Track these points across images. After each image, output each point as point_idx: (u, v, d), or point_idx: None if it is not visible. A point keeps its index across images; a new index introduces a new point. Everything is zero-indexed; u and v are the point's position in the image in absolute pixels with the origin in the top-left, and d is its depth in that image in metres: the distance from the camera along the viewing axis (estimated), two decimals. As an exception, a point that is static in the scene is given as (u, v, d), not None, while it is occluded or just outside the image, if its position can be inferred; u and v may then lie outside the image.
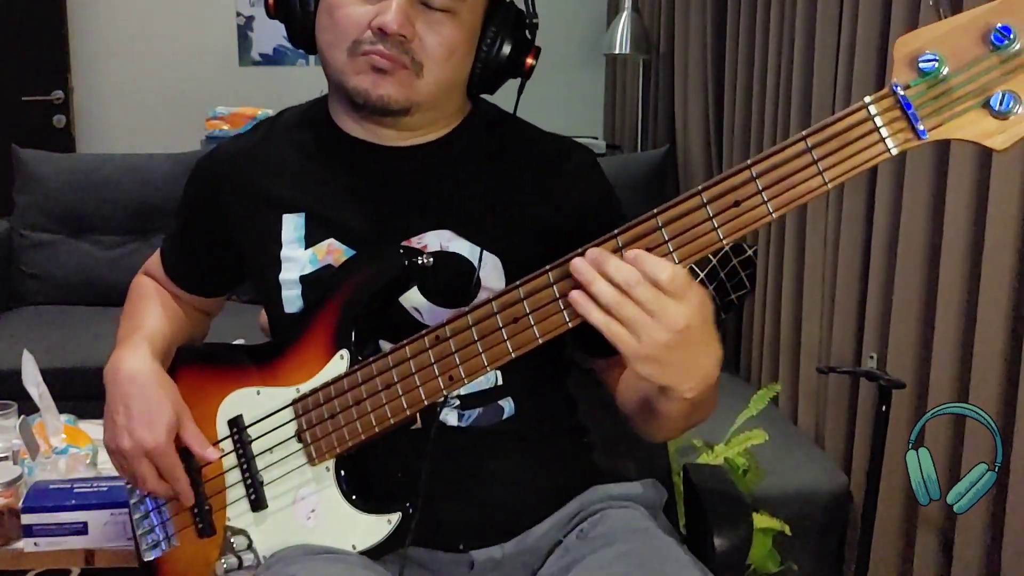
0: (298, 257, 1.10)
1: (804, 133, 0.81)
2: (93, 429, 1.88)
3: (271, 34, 4.13)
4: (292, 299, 1.11)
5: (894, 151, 0.79)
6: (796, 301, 2.45)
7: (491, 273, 1.07)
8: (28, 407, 1.80)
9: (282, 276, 1.11)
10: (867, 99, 0.79)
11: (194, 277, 1.27)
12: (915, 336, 1.95)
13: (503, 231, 1.08)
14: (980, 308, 1.74)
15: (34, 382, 1.80)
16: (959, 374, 1.82)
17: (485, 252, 1.07)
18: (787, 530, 1.96)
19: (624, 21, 3.45)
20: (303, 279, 1.10)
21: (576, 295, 0.86)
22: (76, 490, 1.58)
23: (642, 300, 0.84)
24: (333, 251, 1.09)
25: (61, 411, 1.82)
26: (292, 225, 1.11)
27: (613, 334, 0.85)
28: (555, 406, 1.18)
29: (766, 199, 0.82)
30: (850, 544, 2.17)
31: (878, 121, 0.79)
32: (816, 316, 2.35)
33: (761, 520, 1.94)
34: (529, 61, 1.09)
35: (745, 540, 1.17)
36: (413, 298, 1.07)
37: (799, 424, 2.43)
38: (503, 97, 1.16)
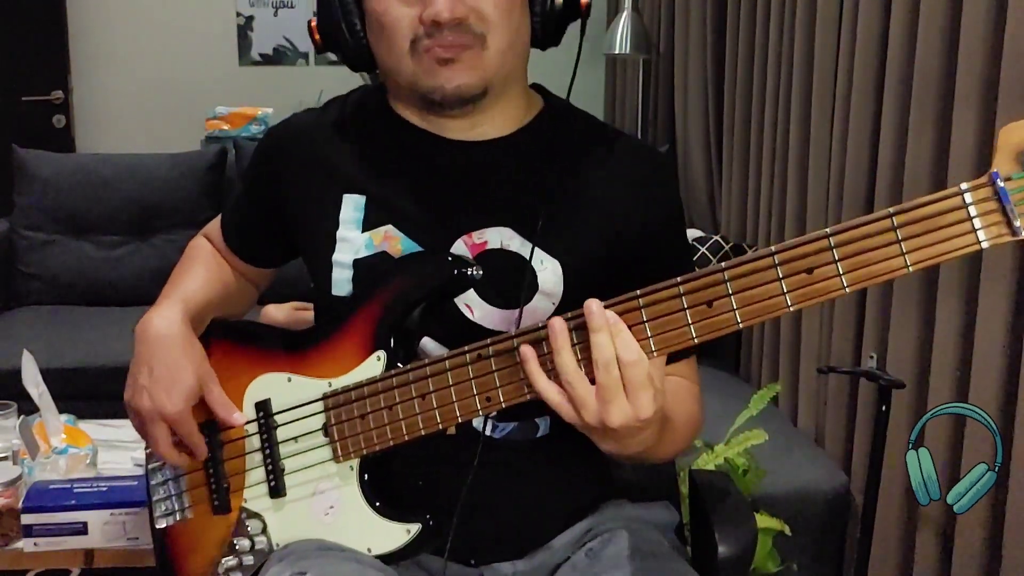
0: (353, 239, 1.08)
1: (892, 210, 0.76)
2: (93, 429, 1.89)
3: (271, 34, 4.13)
4: (341, 282, 1.09)
5: (985, 244, 0.75)
6: (796, 301, 2.44)
7: (549, 277, 1.05)
8: (28, 407, 1.80)
9: (335, 256, 1.09)
10: (964, 186, 0.75)
11: (249, 245, 1.25)
12: (915, 336, 1.95)
13: (565, 235, 1.05)
14: (980, 308, 1.74)
15: (34, 382, 1.80)
16: (959, 374, 1.82)
17: (545, 255, 1.05)
18: (787, 530, 1.96)
19: (624, 21, 3.45)
20: (356, 263, 1.08)
21: (527, 352, 0.88)
22: (76, 490, 1.59)
23: (600, 383, 0.85)
24: (390, 238, 1.07)
25: (61, 411, 1.82)
26: (352, 206, 1.09)
27: (555, 404, 0.88)
28: None
29: (841, 271, 0.78)
30: (850, 544, 2.17)
31: (972, 211, 0.74)
32: (816, 316, 2.35)
33: (761, 520, 1.94)
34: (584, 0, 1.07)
35: (749, 548, 1.16)
36: (467, 295, 1.05)
37: (799, 424, 2.43)
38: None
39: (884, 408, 1.80)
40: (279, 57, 4.17)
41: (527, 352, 0.87)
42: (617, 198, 1.08)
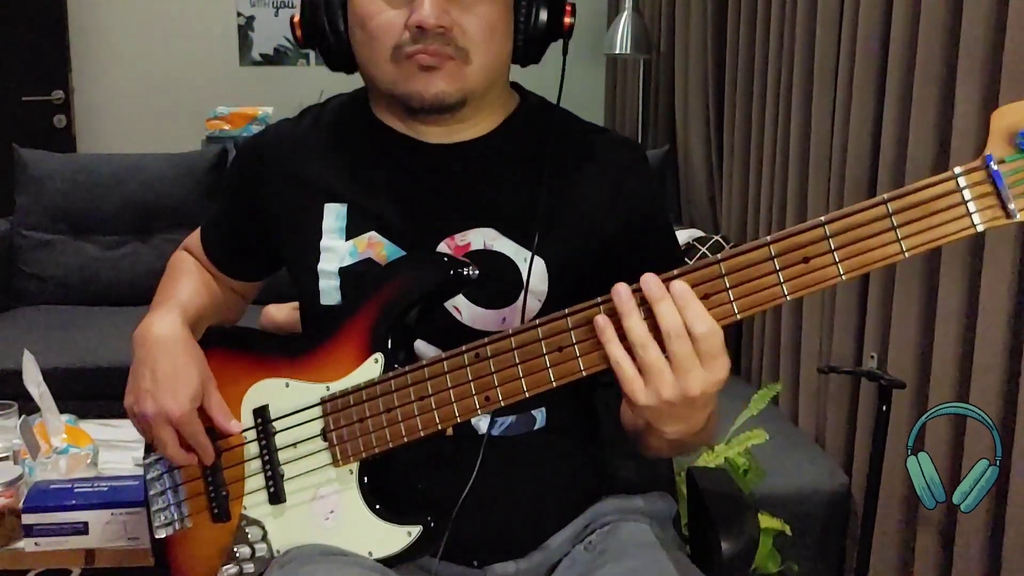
0: (338, 248, 1.09)
1: (886, 196, 0.76)
2: (94, 429, 1.89)
3: (271, 34, 4.14)
4: (329, 291, 1.09)
5: (980, 227, 0.75)
6: (797, 301, 2.45)
7: (535, 275, 1.05)
8: (29, 407, 1.80)
9: (321, 266, 1.09)
10: (957, 170, 0.75)
11: (231, 259, 1.26)
12: (915, 336, 1.95)
13: (548, 232, 1.05)
14: (980, 308, 1.74)
15: (35, 382, 1.80)
16: (959, 374, 1.82)
17: (529, 253, 1.05)
18: (787, 530, 1.96)
19: (625, 21, 3.45)
20: (342, 271, 1.09)
21: (602, 320, 0.84)
22: (77, 490, 1.58)
23: (673, 353, 0.82)
24: (374, 244, 1.08)
25: (61, 411, 1.82)
26: (334, 215, 1.10)
27: (624, 375, 0.84)
28: (583, 419, 1.18)
29: (837, 259, 0.78)
30: (850, 544, 2.17)
31: (967, 194, 0.74)
32: (817, 316, 2.35)
33: (762, 520, 1.94)
34: (567, 20, 1.07)
35: (751, 544, 1.16)
36: (454, 297, 1.06)
37: (800, 424, 2.43)
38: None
39: (885, 408, 1.80)
40: (280, 57, 4.17)
41: (602, 321, 0.84)
42: (598, 192, 1.09)
